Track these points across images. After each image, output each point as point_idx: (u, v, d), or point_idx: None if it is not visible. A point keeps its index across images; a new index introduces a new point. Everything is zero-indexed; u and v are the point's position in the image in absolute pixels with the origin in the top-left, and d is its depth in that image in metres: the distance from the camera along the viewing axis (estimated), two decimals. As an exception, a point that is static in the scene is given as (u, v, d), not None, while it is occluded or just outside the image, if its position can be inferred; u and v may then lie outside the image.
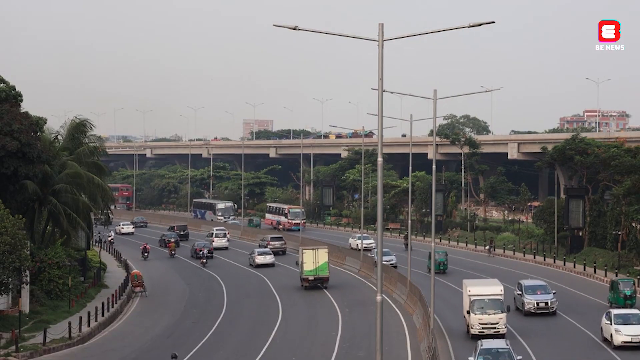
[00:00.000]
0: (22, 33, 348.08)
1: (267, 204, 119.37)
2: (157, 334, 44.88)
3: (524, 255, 76.67)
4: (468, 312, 41.69)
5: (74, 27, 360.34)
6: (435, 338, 37.59)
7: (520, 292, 48.32)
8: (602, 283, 60.97)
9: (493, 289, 43.23)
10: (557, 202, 78.38)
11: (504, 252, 79.96)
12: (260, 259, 71.64)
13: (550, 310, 47.19)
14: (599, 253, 68.95)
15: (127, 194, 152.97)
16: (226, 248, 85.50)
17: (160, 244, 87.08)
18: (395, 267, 65.25)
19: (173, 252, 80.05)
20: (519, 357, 33.26)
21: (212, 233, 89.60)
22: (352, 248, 73.51)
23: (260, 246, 79.64)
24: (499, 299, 41.82)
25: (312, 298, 55.63)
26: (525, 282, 49.47)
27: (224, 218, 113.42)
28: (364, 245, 72.06)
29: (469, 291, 42.62)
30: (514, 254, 78.09)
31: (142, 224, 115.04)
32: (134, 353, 40.65)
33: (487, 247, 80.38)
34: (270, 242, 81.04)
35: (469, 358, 34.14)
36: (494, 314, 40.84)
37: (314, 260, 59.44)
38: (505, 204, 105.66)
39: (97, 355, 40.59)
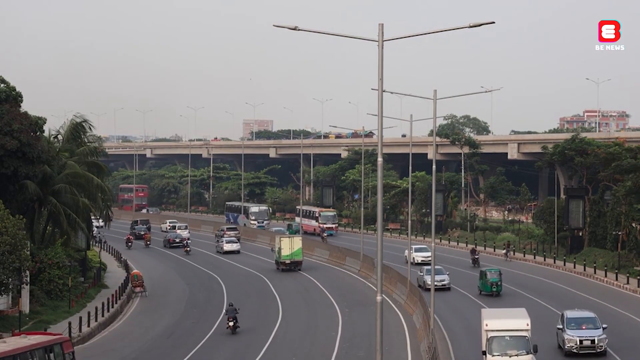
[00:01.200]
0: (22, 33, 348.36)
1: (298, 207, 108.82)
2: (157, 334, 44.87)
3: (524, 256, 76.65)
4: (484, 353, 33.86)
5: (74, 27, 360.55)
6: (435, 338, 37.57)
7: (561, 327, 38.50)
8: (602, 284, 61.03)
9: (517, 322, 34.69)
10: (557, 202, 78.39)
11: (524, 255, 76.86)
12: (227, 247, 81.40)
13: (598, 350, 37.48)
14: (599, 253, 68.94)
15: (142, 194, 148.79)
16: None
17: (132, 236, 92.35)
18: (449, 288, 57.18)
19: (148, 243, 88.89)
20: None
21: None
22: (408, 262, 58.31)
23: (221, 236, 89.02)
24: (525, 336, 33.87)
25: (312, 298, 55.65)
26: (569, 314, 39.30)
27: (258, 223, 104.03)
28: (421, 259, 67.08)
29: (486, 325, 34.32)
30: (534, 257, 74.87)
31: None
32: (134, 353, 40.66)
33: (504, 251, 76.50)
34: (227, 232, 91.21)
35: None
36: (517, 355, 33.36)
37: (290, 246, 68.99)
38: (506, 204, 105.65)
39: (97, 355, 40.58)
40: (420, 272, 57.74)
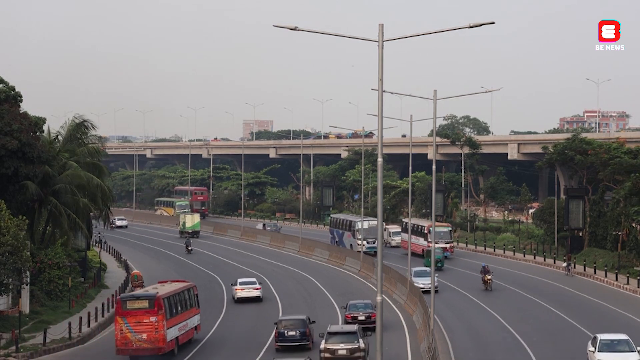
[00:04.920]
0: (22, 33, 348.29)
1: (402, 219, 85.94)
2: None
3: (524, 256, 76.62)
4: None
5: (74, 27, 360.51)
6: (435, 338, 37.58)
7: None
8: (602, 284, 61.02)
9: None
10: (557, 202, 78.36)
11: (524, 256, 73.32)
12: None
13: None
14: (599, 253, 68.92)
15: (202, 198, 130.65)
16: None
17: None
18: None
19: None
20: None
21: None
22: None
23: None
24: None
25: (312, 298, 55.64)
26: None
27: (367, 243, 73.94)
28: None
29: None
30: (534, 258, 72.18)
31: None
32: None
33: (564, 264, 66.85)
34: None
35: None
36: None
37: (191, 221, 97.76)
38: (507, 204, 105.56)
39: (97, 356, 40.63)
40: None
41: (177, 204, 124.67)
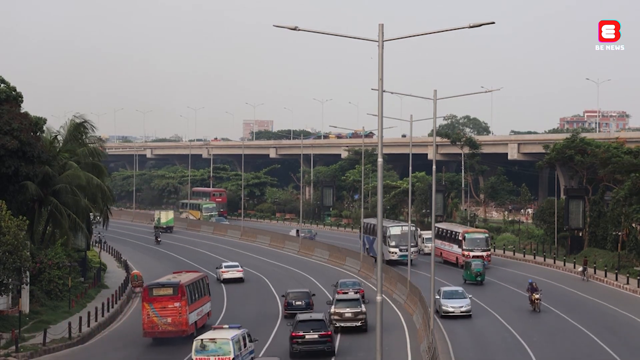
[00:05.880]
0: (22, 33, 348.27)
1: (437, 226, 73.89)
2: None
3: (524, 256, 76.61)
4: None
5: (74, 27, 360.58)
6: (435, 338, 37.57)
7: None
8: (602, 284, 60.98)
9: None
10: (557, 202, 78.35)
11: (524, 256, 70.75)
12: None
13: None
14: (599, 254, 68.91)
15: (220, 199, 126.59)
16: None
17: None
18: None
19: None
20: None
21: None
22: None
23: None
24: None
25: (313, 298, 55.55)
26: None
27: (399, 251, 68.38)
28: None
29: None
30: (534, 258, 69.41)
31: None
32: (134, 353, 40.70)
33: (581, 269, 63.16)
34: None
35: None
36: None
37: (165, 217, 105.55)
38: (507, 204, 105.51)
39: (97, 355, 40.63)
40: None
41: (204, 206, 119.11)
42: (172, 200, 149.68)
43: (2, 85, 49.81)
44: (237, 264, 65.75)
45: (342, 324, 43.44)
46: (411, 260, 60.95)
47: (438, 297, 46.45)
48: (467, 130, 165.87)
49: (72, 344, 41.74)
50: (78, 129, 59.64)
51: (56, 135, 59.30)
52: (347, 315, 43.38)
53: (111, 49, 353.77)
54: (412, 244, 63.24)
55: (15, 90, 49.91)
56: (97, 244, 79.72)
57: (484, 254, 66.73)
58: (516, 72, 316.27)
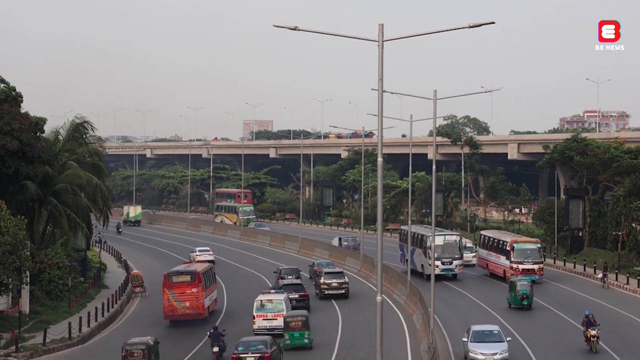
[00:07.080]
0: (22, 33, 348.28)
1: (482, 233, 69.11)
2: (157, 335, 44.78)
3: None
4: None
5: (74, 27, 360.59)
6: (435, 338, 37.54)
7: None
8: (602, 284, 60.91)
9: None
10: (557, 202, 78.34)
11: (584, 269, 63.17)
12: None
13: None
14: (599, 253, 68.90)
15: (246, 201, 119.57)
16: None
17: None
18: None
19: None
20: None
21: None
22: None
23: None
24: None
25: (312, 299, 55.57)
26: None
27: (443, 265, 60.52)
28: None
29: None
30: (585, 269, 63.53)
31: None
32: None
33: (600, 276, 59.09)
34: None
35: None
36: None
37: (134, 212, 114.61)
38: (507, 204, 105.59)
39: (97, 356, 40.62)
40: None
41: (241, 209, 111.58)
42: (172, 200, 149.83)
43: (2, 85, 49.82)
44: (208, 248, 75.32)
45: (330, 292, 54.10)
46: (455, 274, 60.24)
47: (466, 339, 36.94)
48: (467, 130, 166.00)
49: (72, 344, 41.74)
50: (78, 129, 59.65)
51: (56, 136, 59.31)
52: (333, 284, 54.22)
53: (111, 49, 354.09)
54: (456, 256, 60.63)
55: (15, 90, 49.90)
56: (97, 244, 79.74)
57: (536, 267, 58.97)
58: (516, 72, 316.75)
